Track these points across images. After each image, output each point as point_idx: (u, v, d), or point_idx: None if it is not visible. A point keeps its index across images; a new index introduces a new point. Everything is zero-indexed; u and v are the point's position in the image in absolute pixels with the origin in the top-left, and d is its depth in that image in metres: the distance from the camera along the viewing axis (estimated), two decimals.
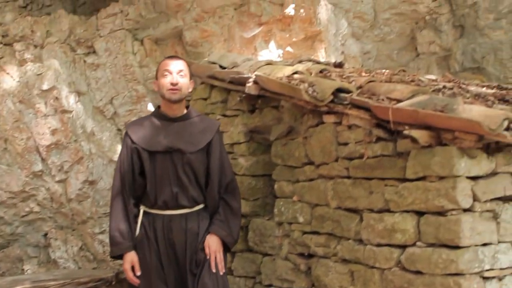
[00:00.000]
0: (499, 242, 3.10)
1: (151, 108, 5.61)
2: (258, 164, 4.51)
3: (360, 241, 3.48)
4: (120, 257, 3.57)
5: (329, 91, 3.48)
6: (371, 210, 3.39)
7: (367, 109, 3.30)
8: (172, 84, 3.47)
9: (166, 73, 3.51)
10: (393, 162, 3.23)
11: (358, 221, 3.50)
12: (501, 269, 3.09)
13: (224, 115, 4.77)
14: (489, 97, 3.34)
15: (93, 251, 5.55)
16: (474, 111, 2.85)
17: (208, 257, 3.48)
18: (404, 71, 4.86)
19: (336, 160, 3.63)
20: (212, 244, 3.51)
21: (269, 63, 4.44)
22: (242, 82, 4.30)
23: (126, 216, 3.52)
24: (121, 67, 5.60)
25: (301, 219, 3.95)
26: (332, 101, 3.51)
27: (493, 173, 3.08)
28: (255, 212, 4.47)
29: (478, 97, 3.34)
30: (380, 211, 3.34)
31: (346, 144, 3.55)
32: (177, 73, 3.51)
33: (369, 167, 3.37)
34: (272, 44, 5.58)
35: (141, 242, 3.54)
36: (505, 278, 3.12)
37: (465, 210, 2.97)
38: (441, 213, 3.00)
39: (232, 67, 4.63)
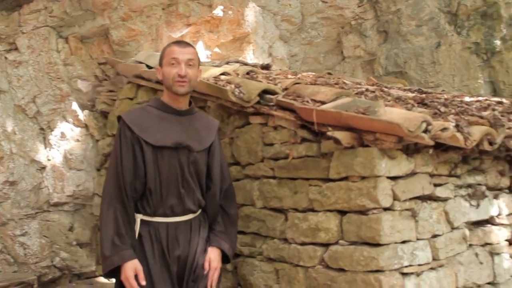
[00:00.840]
0: (417, 239, 3.22)
1: (75, 107, 5.48)
2: None
3: (285, 240, 3.53)
4: (113, 273, 2.94)
5: (255, 92, 3.51)
6: (296, 210, 3.44)
7: (292, 110, 3.35)
8: (180, 76, 2.97)
9: (173, 62, 3.00)
10: (317, 162, 3.30)
11: (283, 221, 3.55)
12: (419, 265, 3.22)
13: None
14: (409, 100, 3.46)
15: (13, 254, 5.35)
16: (394, 114, 2.94)
17: (206, 271, 3.06)
18: (330, 74, 4.98)
19: (262, 161, 3.67)
20: (214, 259, 3.10)
21: None
22: None
23: (127, 222, 2.94)
24: (45, 65, 5.43)
25: None
26: (258, 102, 3.55)
27: (412, 173, 3.20)
28: None
29: (399, 100, 3.45)
30: (304, 211, 3.40)
31: (271, 144, 3.60)
32: (186, 63, 2.99)
33: (294, 167, 3.43)
34: (200, 45, 5.58)
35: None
36: (423, 273, 3.24)
37: (385, 209, 3.07)
38: (363, 212, 3.08)
39: None
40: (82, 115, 5.49)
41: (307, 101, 3.26)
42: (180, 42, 3.14)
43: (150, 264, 2.95)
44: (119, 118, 3.08)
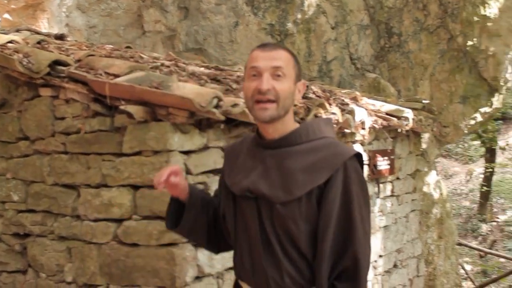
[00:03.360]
0: None
1: None
2: None
3: (78, 217, 3.43)
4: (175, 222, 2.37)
5: (45, 63, 3.33)
6: (89, 186, 3.36)
7: (85, 83, 3.24)
8: (260, 92, 2.02)
9: (254, 72, 2.05)
10: (110, 137, 3.24)
11: (76, 197, 3.44)
12: None
13: None
14: (203, 77, 3.52)
15: None
16: (187, 89, 2.99)
17: None
18: (129, 47, 4.89)
19: (53, 135, 3.51)
20: None
21: None
22: None
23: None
24: None
25: (15, 197, 3.73)
26: (48, 74, 3.37)
27: (205, 148, 3.28)
28: None
29: (193, 76, 3.50)
30: (97, 186, 3.33)
31: (63, 118, 3.45)
32: (271, 72, 2.03)
33: (87, 142, 3.33)
34: None
35: None
36: None
37: None
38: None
39: None
40: None
41: (100, 74, 3.18)
42: (265, 45, 2.15)
43: None
44: None
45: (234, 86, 3.45)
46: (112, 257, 3.26)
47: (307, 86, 4.21)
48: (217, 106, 3.00)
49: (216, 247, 2.48)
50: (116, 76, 3.17)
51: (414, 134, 6.02)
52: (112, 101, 3.09)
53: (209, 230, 2.37)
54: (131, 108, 2.97)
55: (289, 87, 2.06)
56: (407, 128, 5.29)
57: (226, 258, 3.43)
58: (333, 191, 2.03)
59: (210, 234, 2.38)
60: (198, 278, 3.24)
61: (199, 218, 2.34)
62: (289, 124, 2.13)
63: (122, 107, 2.99)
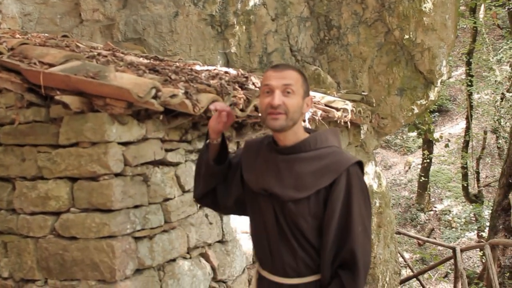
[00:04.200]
0: (149, 203, 3.30)
1: None
2: None
3: (13, 210, 3.33)
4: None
5: None
6: (24, 178, 3.27)
7: (18, 72, 3.14)
8: (272, 106, 2.43)
9: (267, 90, 2.47)
10: (46, 128, 3.16)
11: (11, 190, 3.34)
12: (151, 228, 3.31)
13: None
14: (141, 67, 3.47)
15: None
16: (124, 79, 2.94)
17: None
18: (66, 36, 4.78)
19: None
20: None
21: None
22: None
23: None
24: None
25: None
26: None
27: (144, 139, 3.25)
28: None
29: (131, 66, 3.45)
30: (33, 179, 3.24)
31: None
32: (282, 89, 2.44)
33: (21, 133, 3.24)
34: None
35: None
36: (155, 236, 3.34)
37: (116, 175, 3.07)
38: (94, 178, 3.05)
39: None
40: None
41: (35, 63, 3.09)
42: (278, 66, 2.57)
43: None
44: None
45: (173, 76, 3.42)
46: (49, 251, 3.19)
47: (246, 77, 4.23)
48: (155, 97, 2.97)
49: (204, 198, 2.93)
50: (51, 65, 3.09)
51: (353, 126, 6.13)
52: (47, 91, 3.01)
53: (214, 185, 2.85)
54: (66, 99, 2.90)
55: (297, 102, 2.46)
56: (346, 119, 5.38)
57: (167, 250, 3.41)
58: (337, 192, 2.42)
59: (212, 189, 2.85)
60: (138, 270, 3.21)
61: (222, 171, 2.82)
62: (299, 133, 2.54)
63: (57, 98, 2.92)
